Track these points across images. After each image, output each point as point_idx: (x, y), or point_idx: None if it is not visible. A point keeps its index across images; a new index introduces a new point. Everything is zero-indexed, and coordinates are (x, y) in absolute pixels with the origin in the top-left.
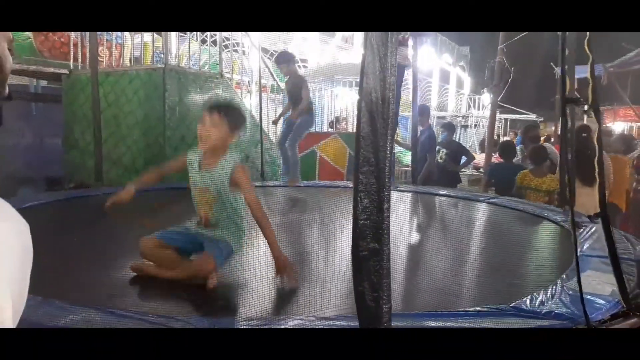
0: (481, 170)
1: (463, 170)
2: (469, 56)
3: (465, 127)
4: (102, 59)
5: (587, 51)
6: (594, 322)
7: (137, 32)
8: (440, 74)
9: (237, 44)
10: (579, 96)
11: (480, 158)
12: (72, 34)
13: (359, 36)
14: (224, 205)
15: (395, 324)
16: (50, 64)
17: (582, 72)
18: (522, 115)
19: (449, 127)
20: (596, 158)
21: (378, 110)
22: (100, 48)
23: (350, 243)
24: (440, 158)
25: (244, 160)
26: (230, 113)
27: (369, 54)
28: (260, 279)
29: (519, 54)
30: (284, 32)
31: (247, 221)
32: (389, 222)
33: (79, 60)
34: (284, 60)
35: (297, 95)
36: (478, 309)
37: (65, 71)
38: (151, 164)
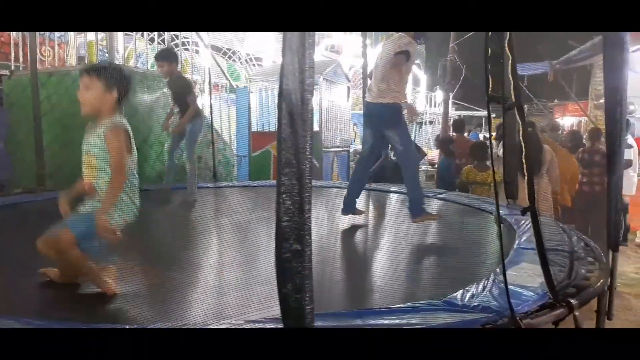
0: (436, 166)
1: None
2: (424, 54)
3: (421, 124)
4: (44, 59)
5: (508, 51)
6: (518, 315)
7: (88, 31)
8: None
9: (188, 42)
10: (530, 93)
11: (435, 154)
12: (13, 33)
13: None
14: (105, 170)
15: (326, 323)
16: None
17: (532, 68)
18: (475, 112)
19: None
20: (523, 154)
21: (298, 112)
22: (43, 47)
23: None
24: (394, 155)
25: (123, 125)
26: (102, 72)
27: (287, 55)
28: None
29: (471, 52)
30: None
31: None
32: (311, 223)
33: (20, 60)
34: (163, 57)
35: (181, 99)
36: (409, 305)
37: (6, 72)
38: None
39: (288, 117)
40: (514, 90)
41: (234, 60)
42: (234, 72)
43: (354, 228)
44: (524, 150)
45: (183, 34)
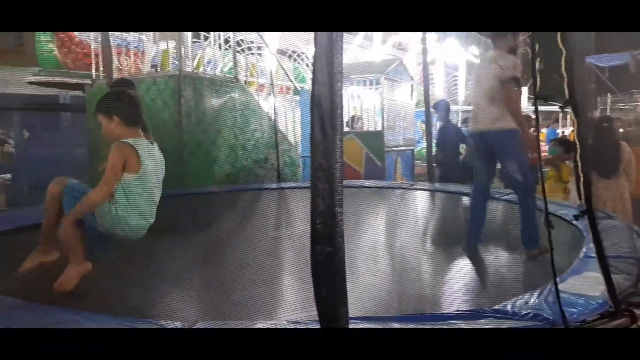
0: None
1: None
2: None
3: None
4: (122, 67)
5: (561, 46)
6: (572, 324)
7: (150, 31)
8: (467, 67)
9: (254, 46)
10: (602, 86)
11: None
12: (93, 45)
13: (378, 33)
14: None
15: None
16: (74, 74)
17: (612, 60)
18: (552, 107)
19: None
20: (578, 155)
21: (327, 117)
22: (120, 57)
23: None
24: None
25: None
26: (103, 106)
27: (318, 62)
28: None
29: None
30: (304, 34)
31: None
32: (342, 226)
33: (101, 70)
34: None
35: None
36: (454, 312)
37: (88, 81)
38: (171, 170)
39: (319, 122)
40: (568, 88)
41: (298, 63)
42: (299, 75)
43: (406, 231)
44: (578, 150)
45: (249, 38)
